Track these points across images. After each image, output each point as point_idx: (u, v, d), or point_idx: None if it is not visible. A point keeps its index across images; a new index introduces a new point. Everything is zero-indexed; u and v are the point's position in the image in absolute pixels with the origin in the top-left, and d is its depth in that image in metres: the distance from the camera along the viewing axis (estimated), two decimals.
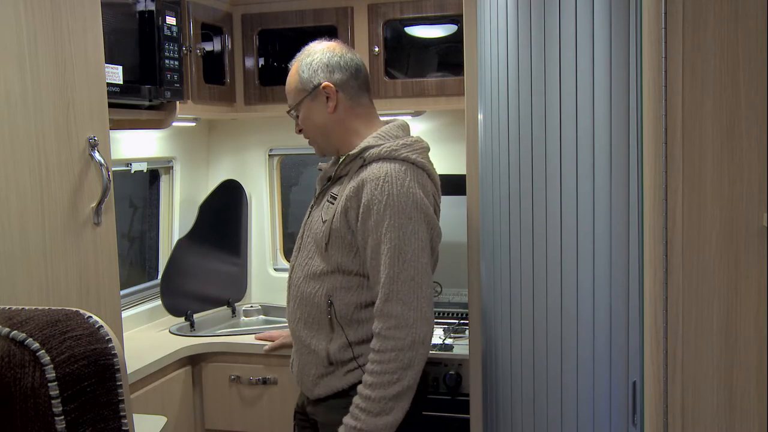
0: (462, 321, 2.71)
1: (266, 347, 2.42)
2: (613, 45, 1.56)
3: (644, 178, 1.47)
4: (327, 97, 1.92)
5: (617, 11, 1.55)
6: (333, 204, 1.88)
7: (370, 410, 1.78)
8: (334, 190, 1.91)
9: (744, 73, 1.37)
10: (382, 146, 1.85)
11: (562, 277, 1.69)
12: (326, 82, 1.91)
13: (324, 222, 1.88)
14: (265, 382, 2.62)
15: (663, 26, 1.39)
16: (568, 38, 1.63)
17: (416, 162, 1.84)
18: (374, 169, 1.82)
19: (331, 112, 1.93)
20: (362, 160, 1.85)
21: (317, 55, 1.94)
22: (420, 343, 1.79)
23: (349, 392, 1.88)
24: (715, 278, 1.41)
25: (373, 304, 1.85)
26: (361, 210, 1.80)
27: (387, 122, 1.98)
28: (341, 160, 1.92)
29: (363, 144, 1.88)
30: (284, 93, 2.83)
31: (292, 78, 1.98)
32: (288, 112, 2.00)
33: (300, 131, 2.01)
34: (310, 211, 2.01)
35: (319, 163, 2.12)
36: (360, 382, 1.85)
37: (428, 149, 1.93)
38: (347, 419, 1.81)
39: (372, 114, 1.99)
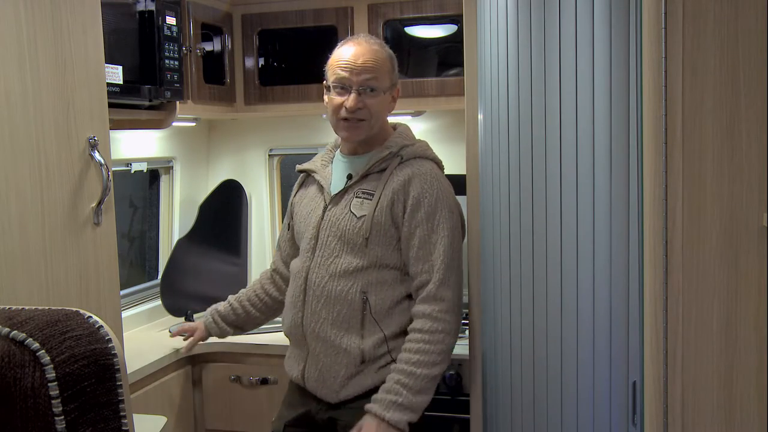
0: (462, 321, 2.71)
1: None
2: (613, 45, 1.56)
3: (644, 178, 1.47)
4: (392, 99, 2.01)
5: (617, 11, 1.55)
6: (369, 199, 1.91)
7: (412, 386, 1.83)
8: (366, 186, 1.94)
9: (744, 73, 1.37)
10: (415, 145, 1.99)
11: (562, 277, 1.69)
12: (399, 87, 2.05)
13: (359, 218, 1.90)
14: (265, 382, 2.61)
15: (663, 26, 1.39)
16: (568, 38, 1.62)
17: (440, 164, 2.02)
18: (418, 166, 1.94)
19: (390, 111, 2.02)
20: (400, 158, 1.95)
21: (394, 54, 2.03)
22: (458, 331, 1.94)
23: (377, 390, 1.89)
24: (715, 278, 1.41)
25: (407, 297, 1.93)
26: (410, 203, 1.89)
27: (393, 125, 2.08)
28: (380, 155, 1.95)
29: (397, 142, 1.98)
30: (285, 92, 2.88)
31: (384, 61, 1.97)
32: (365, 90, 1.93)
33: (359, 108, 1.93)
34: (324, 211, 1.98)
35: (300, 165, 2.14)
36: None
37: None
38: (382, 395, 1.84)
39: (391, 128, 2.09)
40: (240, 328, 2.34)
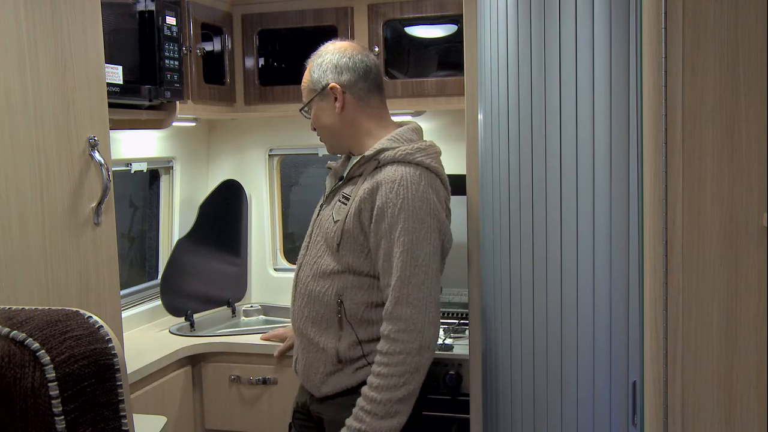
0: (462, 321, 2.71)
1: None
2: (613, 45, 1.56)
3: (644, 178, 1.47)
4: (335, 98, 1.94)
5: (617, 11, 1.55)
6: (345, 204, 1.89)
7: (375, 413, 1.79)
8: (347, 190, 1.92)
9: (744, 73, 1.37)
10: (397, 149, 1.87)
11: (562, 277, 1.69)
12: (333, 83, 1.93)
13: (336, 222, 1.89)
14: (265, 382, 2.62)
15: (663, 26, 1.39)
16: (568, 38, 1.63)
17: (430, 167, 1.87)
18: (389, 172, 1.84)
19: (338, 113, 1.94)
20: (377, 162, 1.87)
21: (327, 56, 1.96)
22: (426, 348, 1.81)
23: (357, 389, 1.89)
24: (715, 278, 1.41)
25: (383, 304, 1.87)
26: (375, 212, 1.82)
27: (400, 124, 2.00)
28: (356, 160, 1.92)
29: (378, 146, 1.89)
30: (285, 92, 2.89)
31: (305, 77, 2.01)
32: (300, 110, 2.02)
33: (314, 129, 2.03)
34: (320, 210, 2.01)
35: (329, 162, 2.13)
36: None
37: (440, 154, 1.95)
38: (350, 421, 1.82)
39: (384, 115, 2.01)
40: None
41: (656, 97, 1.41)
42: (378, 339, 1.88)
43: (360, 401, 1.82)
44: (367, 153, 1.88)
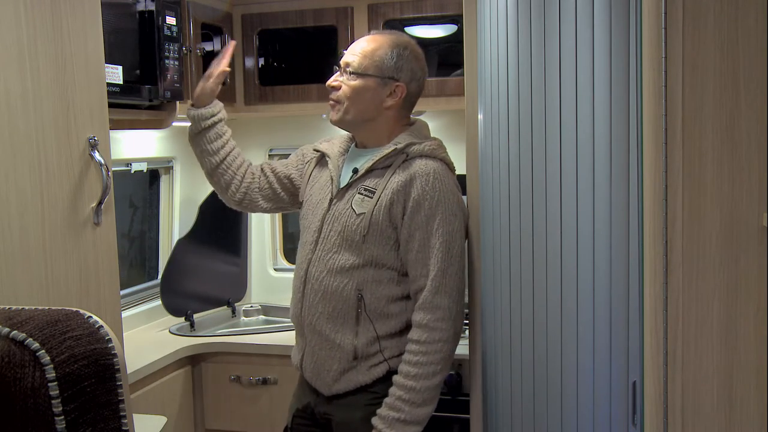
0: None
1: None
2: (613, 45, 1.56)
3: (644, 178, 1.47)
4: (390, 94, 1.93)
5: (617, 11, 1.55)
6: (370, 197, 1.89)
7: (413, 401, 1.84)
8: (368, 182, 1.91)
9: (744, 73, 1.37)
10: (423, 144, 1.93)
11: (562, 277, 1.69)
12: (403, 85, 1.94)
13: (359, 215, 1.88)
14: (265, 382, 2.61)
15: (663, 26, 1.39)
16: (568, 38, 1.62)
17: (450, 164, 1.96)
18: (421, 165, 1.88)
19: (386, 106, 1.94)
20: (405, 155, 1.90)
21: (412, 55, 1.95)
22: (458, 335, 1.91)
23: (371, 387, 1.90)
24: (715, 278, 1.41)
25: (402, 298, 1.91)
26: (410, 204, 1.86)
27: (412, 121, 2.03)
28: (382, 153, 1.91)
29: (404, 139, 1.92)
30: (285, 92, 2.88)
31: (378, 48, 1.93)
32: (346, 69, 1.94)
33: (334, 88, 1.95)
34: (330, 204, 1.96)
35: (318, 145, 2.09)
36: (384, 376, 1.91)
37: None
38: (385, 411, 1.85)
39: (405, 125, 2.02)
40: (212, 146, 2.14)
41: (656, 97, 1.41)
42: (395, 333, 1.89)
43: (394, 391, 1.86)
44: (398, 146, 1.90)
